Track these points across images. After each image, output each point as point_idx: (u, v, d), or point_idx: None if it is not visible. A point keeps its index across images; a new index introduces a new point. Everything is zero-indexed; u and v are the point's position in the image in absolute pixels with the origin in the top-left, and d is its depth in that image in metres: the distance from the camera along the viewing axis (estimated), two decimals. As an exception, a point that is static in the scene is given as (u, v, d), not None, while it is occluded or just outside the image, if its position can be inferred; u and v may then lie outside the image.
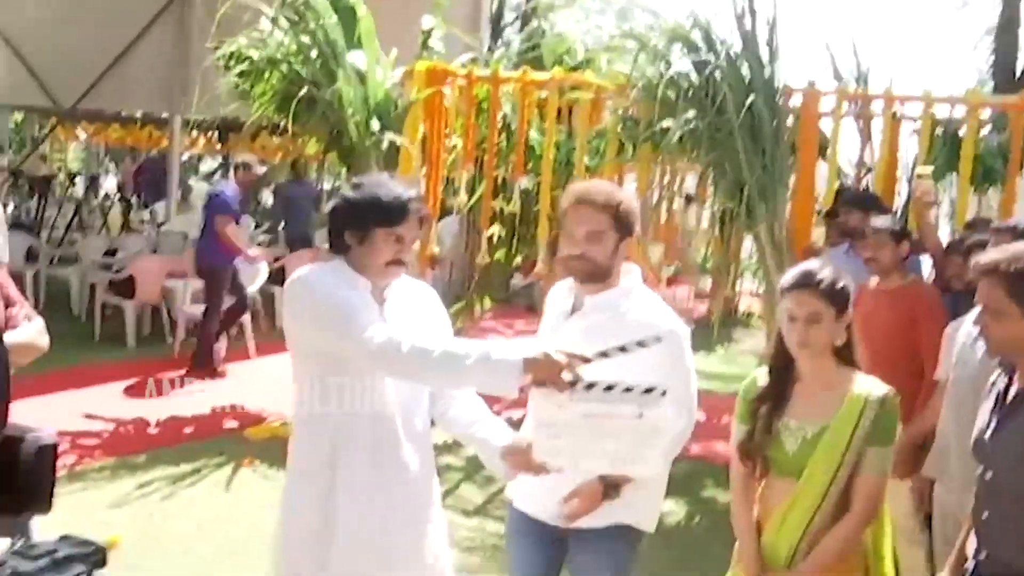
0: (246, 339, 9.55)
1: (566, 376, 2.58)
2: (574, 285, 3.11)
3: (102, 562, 2.91)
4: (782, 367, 2.94)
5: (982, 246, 3.98)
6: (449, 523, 3.15)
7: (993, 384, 2.76)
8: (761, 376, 3.00)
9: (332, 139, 7.45)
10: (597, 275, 3.03)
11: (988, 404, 2.75)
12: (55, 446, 3.43)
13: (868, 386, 2.87)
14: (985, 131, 6.94)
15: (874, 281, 4.69)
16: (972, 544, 2.73)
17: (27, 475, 3.31)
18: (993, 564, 2.63)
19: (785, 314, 2.87)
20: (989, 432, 2.68)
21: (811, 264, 2.96)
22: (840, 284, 2.85)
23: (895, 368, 4.35)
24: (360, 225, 2.82)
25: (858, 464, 2.82)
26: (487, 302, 8.55)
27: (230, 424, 7.32)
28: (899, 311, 4.50)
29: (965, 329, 3.90)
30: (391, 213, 2.79)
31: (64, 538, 2.97)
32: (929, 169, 5.32)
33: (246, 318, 9.62)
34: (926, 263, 5.57)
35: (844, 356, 2.90)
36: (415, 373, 2.75)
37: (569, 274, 3.07)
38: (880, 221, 4.83)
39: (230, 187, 9.21)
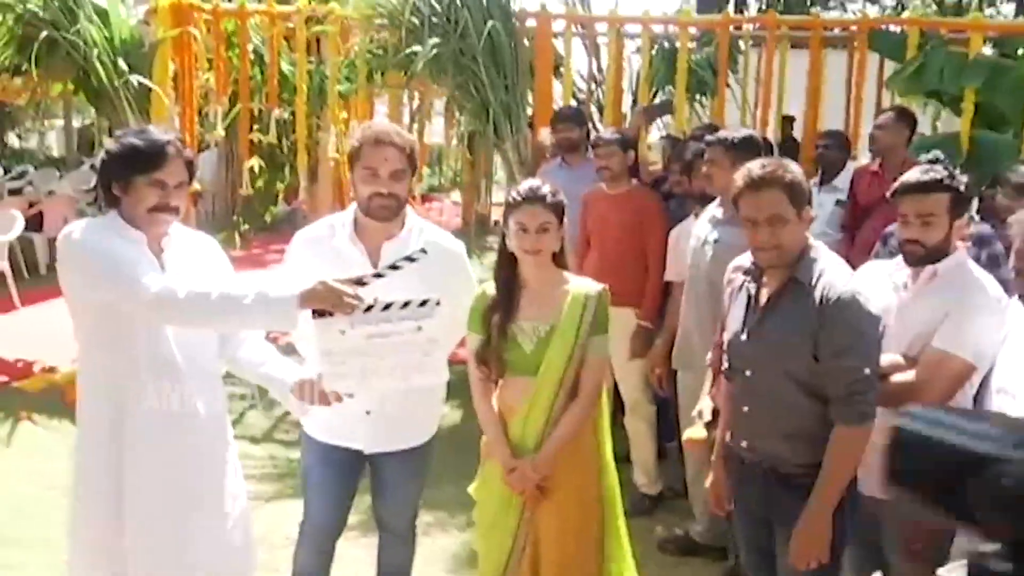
0: (9, 289, 8.93)
1: (345, 301, 2.60)
2: (353, 234, 3.04)
3: None
4: (508, 277, 3.10)
5: (702, 156, 4.20)
6: (240, 454, 3.11)
7: (740, 288, 2.92)
8: (490, 288, 3.14)
9: (79, 80, 7.02)
10: (399, 212, 3.03)
11: (739, 308, 2.88)
12: None
13: (584, 284, 3.10)
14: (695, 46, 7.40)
15: (603, 188, 4.90)
16: (728, 435, 2.94)
17: None
18: (752, 452, 2.82)
19: (515, 226, 3.02)
20: (745, 335, 2.81)
21: (532, 182, 3.12)
22: (559, 197, 3.07)
23: (625, 265, 4.72)
24: (121, 175, 2.73)
25: (584, 353, 3.04)
26: (246, 229, 8.39)
27: (1, 378, 6.89)
28: (627, 213, 4.77)
29: (696, 232, 4.15)
30: (148, 159, 2.70)
31: None
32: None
33: (7, 268, 9.01)
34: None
35: (559, 261, 3.12)
36: (194, 318, 2.69)
37: (378, 214, 2.99)
38: (608, 132, 5.04)
39: None
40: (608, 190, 4.88)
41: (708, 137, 4.26)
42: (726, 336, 2.96)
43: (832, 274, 2.69)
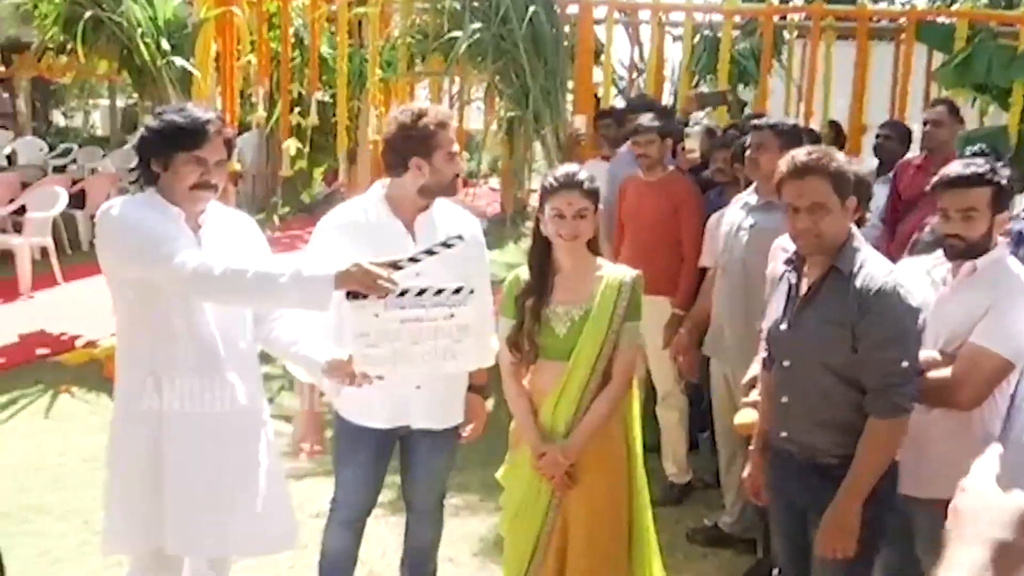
0: (52, 264, 9.08)
1: (380, 284, 2.59)
2: (389, 211, 3.07)
3: None
4: (542, 261, 3.10)
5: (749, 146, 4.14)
6: (274, 431, 3.07)
7: (782, 278, 2.89)
8: (523, 273, 3.14)
9: (123, 59, 7.10)
10: None
11: (779, 298, 2.85)
12: None
13: (619, 270, 3.10)
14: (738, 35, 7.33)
15: (640, 174, 4.88)
16: (767, 426, 2.92)
17: None
18: (791, 443, 2.83)
19: (551, 212, 3.01)
20: (785, 325, 2.78)
21: (569, 167, 3.11)
22: (595, 183, 3.06)
23: (659, 253, 4.67)
24: (162, 152, 2.74)
25: (617, 339, 3.03)
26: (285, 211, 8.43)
27: (43, 351, 6.99)
28: (663, 200, 4.74)
29: (729, 219, 4.11)
30: (189, 136, 2.72)
31: None
32: None
33: (50, 243, 9.15)
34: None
35: (593, 246, 3.11)
36: (230, 296, 2.70)
37: (456, 190, 3.13)
38: (646, 119, 4.95)
39: None
40: (644, 177, 4.85)
41: (757, 121, 4.21)
42: (766, 325, 2.93)
43: (873, 265, 2.66)
